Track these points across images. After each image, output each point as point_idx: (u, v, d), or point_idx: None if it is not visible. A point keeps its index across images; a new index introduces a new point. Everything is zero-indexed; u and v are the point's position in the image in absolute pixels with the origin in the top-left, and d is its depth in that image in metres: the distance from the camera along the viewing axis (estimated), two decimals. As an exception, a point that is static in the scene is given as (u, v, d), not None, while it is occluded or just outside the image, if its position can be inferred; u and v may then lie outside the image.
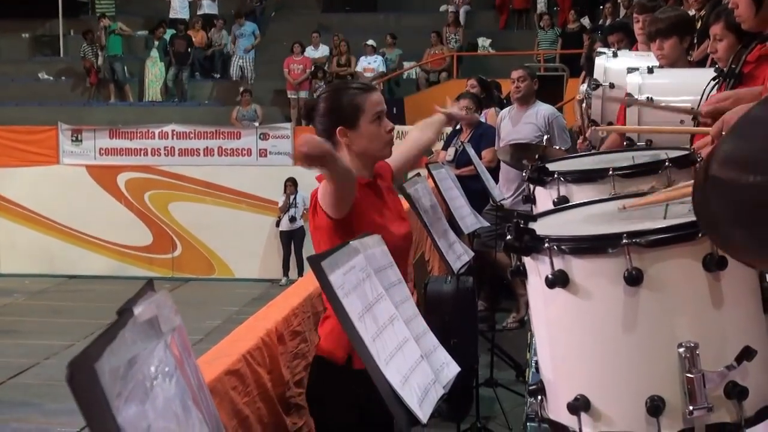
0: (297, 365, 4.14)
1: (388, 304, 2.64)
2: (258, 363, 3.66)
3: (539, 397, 2.26)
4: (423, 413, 2.48)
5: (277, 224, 18.23)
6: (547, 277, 2.09)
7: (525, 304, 7.87)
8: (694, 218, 1.97)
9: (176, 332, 1.38)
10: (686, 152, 3.07)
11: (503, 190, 7.87)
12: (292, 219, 17.99)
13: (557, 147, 7.93)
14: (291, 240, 18.10)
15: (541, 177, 3.12)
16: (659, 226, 2.08)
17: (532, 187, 3.21)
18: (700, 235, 1.98)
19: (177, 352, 1.35)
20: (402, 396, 2.43)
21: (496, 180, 8.03)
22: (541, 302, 2.20)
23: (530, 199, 3.22)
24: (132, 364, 1.15)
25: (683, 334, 1.99)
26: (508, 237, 2.17)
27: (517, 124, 8.48)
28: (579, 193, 3.00)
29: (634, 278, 1.98)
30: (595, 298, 2.07)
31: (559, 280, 2.07)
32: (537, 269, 2.15)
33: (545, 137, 8.01)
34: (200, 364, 3.23)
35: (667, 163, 2.88)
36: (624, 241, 1.99)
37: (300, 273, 17.36)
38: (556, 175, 3.07)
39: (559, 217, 2.46)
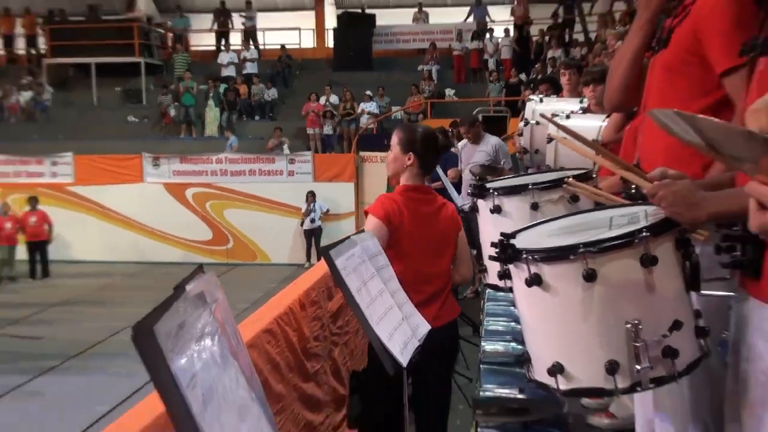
0: (314, 325, 4.12)
1: (378, 281, 2.64)
2: (286, 323, 3.64)
3: (527, 365, 2.26)
4: (404, 359, 2.50)
5: (301, 224, 18.21)
6: (525, 279, 2.11)
7: (479, 280, 7.88)
8: (632, 229, 2.03)
9: (219, 303, 1.36)
10: (585, 171, 3.11)
11: (464, 199, 7.93)
12: (312, 220, 18.00)
13: (504, 167, 8.16)
14: (311, 235, 18.09)
15: (482, 192, 3.15)
16: (606, 236, 2.08)
17: (475, 199, 3.22)
18: (636, 241, 2.00)
19: (220, 317, 1.34)
20: (389, 347, 2.44)
21: (459, 191, 8.15)
22: (523, 297, 2.19)
23: (475, 207, 3.23)
24: (182, 327, 1.14)
25: (629, 314, 2.00)
26: (496, 251, 2.19)
27: (475, 151, 8.64)
28: (507, 203, 3.05)
29: (589, 276, 2.00)
30: (563, 292, 2.07)
31: (534, 281, 2.09)
32: (518, 273, 2.16)
33: (493, 158, 8.31)
34: (245, 325, 3.24)
35: (566, 179, 2.90)
36: (581, 249, 2.01)
37: (318, 259, 17.36)
38: (491, 190, 3.11)
39: (533, 231, 2.44)
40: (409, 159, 3.77)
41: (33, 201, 18.17)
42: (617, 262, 2.02)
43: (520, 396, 3.63)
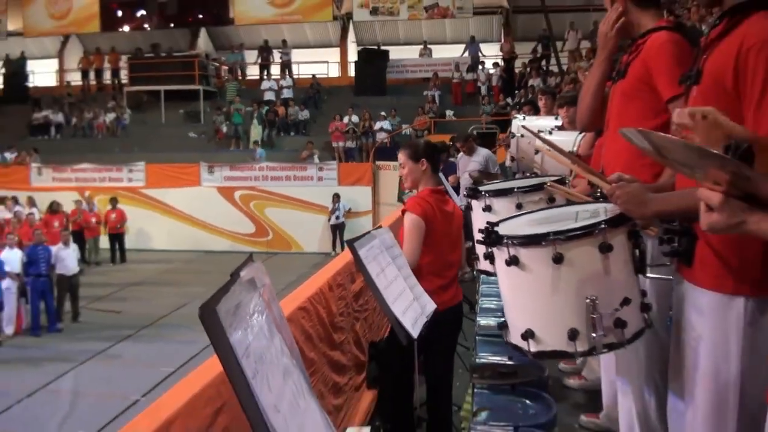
0: (340, 303, 4.10)
1: (394, 268, 2.62)
2: (317, 302, 3.62)
3: (504, 330, 2.26)
4: (414, 332, 2.47)
5: (328, 220, 18.21)
6: (505, 260, 2.11)
7: (473, 265, 7.85)
8: (594, 221, 2.06)
9: (266, 286, 1.35)
10: (559, 177, 3.16)
11: (462, 201, 7.92)
12: (337, 217, 18.00)
13: (494, 172, 8.16)
14: (336, 229, 18.06)
15: (475, 194, 3.14)
16: (572, 227, 2.08)
17: (469, 199, 3.23)
18: (596, 231, 2.01)
19: (266, 298, 1.33)
20: (402, 322, 2.41)
21: (458, 194, 8.13)
22: (503, 275, 2.19)
23: (470, 207, 3.23)
24: (238, 307, 1.13)
25: (588, 291, 2.01)
26: (482, 236, 2.19)
27: (469, 161, 8.62)
28: (497, 203, 3.09)
29: (557, 259, 2.01)
30: (535, 272, 2.08)
31: (513, 262, 2.09)
32: (500, 255, 2.16)
33: (485, 167, 8.34)
34: (284, 304, 3.23)
35: (546, 185, 2.94)
36: (551, 237, 2.02)
37: (342, 249, 17.37)
38: (483, 192, 3.10)
39: (514, 222, 2.44)
40: (422, 165, 3.71)
41: (113, 201, 18.28)
42: (580, 248, 2.02)
43: (509, 362, 3.60)
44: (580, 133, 4.46)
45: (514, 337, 2.18)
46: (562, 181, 3.08)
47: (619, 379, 2.80)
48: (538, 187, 3.08)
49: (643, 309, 2.11)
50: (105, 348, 11.19)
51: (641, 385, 2.65)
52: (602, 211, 2.19)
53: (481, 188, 3.25)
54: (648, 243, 2.17)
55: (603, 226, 2.02)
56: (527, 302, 2.14)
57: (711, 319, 1.90)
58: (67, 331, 12.43)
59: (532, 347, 2.11)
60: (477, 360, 3.80)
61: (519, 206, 3.00)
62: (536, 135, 2.57)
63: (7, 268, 12.00)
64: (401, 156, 3.81)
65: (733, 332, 1.84)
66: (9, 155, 21.64)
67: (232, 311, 1.09)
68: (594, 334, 1.99)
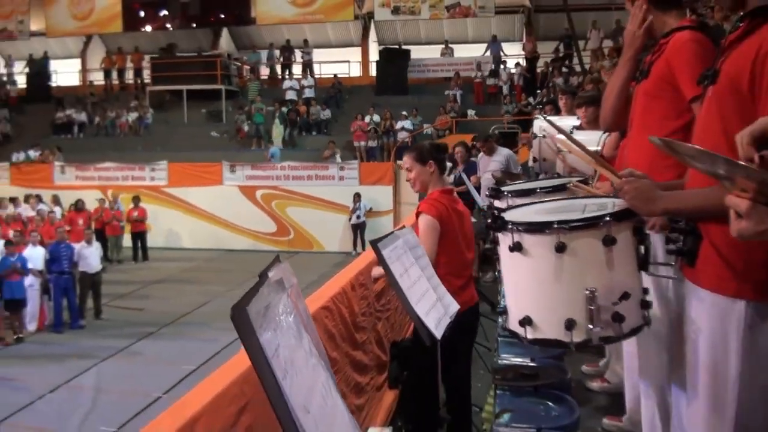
0: (362, 303, 4.12)
1: (417, 268, 2.62)
2: (339, 301, 3.64)
3: (504, 316, 2.28)
4: (438, 333, 2.47)
5: (349, 219, 18.18)
6: (509, 246, 2.12)
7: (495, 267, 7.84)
8: (600, 214, 2.07)
9: (293, 287, 1.36)
10: (582, 178, 3.15)
11: (484, 200, 7.91)
12: (358, 217, 17.98)
13: (516, 172, 8.10)
14: (357, 229, 18.04)
15: (498, 194, 3.16)
16: (577, 217, 2.09)
17: (492, 200, 3.25)
18: (600, 224, 2.02)
19: (294, 298, 1.34)
20: (426, 323, 2.41)
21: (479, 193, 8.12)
22: (507, 260, 2.20)
23: (492, 206, 3.24)
24: (268, 308, 1.14)
25: (588, 282, 2.01)
26: (489, 221, 2.21)
27: (490, 161, 8.57)
28: (520, 202, 3.05)
29: (560, 248, 2.01)
30: (537, 259, 2.08)
31: (516, 248, 2.10)
32: (504, 240, 2.17)
33: (505, 166, 8.33)
34: (307, 303, 3.23)
35: (569, 185, 2.93)
36: (555, 225, 2.04)
37: (363, 249, 17.39)
38: (505, 193, 3.11)
39: (523, 210, 2.46)
40: (430, 167, 3.69)
41: (136, 199, 18.41)
42: (584, 240, 2.03)
43: (531, 364, 3.60)
44: (605, 133, 4.44)
45: (512, 323, 2.20)
46: (584, 182, 3.08)
47: (643, 382, 2.79)
48: (560, 188, 3.08)
49: (643, 306, 2.12)
50: (127, 345, 11.28)
51: (665, 389, 2.63)
52: (610, 205, 2.20)
53: (504, 188, 3.25)
54: (653, 240, 2.16)
55: (608, 219, 2.02)
56: (527, 289, 2.15)
57: (711, 321, 1.90)
58: (89, 328, 12.54)
59: (529, 334, 2.13)
60: (499, 361, 3.80)
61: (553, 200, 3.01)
62: (557, 127, 2.57)
63: (30, 266, 12.14)
64: (407, 160, 3.76)
65: (733, 334, 1.85)
66: (33, 153, 21.88)
67: (262, 312, 1.10)
68: (591, 326, 2.01)
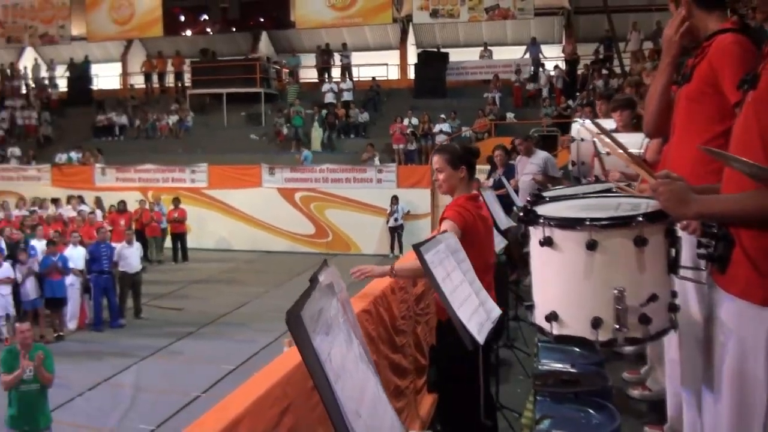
0: (402, 306, 4.12)
1: (459, 273, 2.63)
2: (380, 305, 3.65)
3: (530, 310, 2.26)
4: (480, 338, 2.47)
5: (387, 222, 18.19)
6: (540, 240, 2.12)
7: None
8: (633, 213, 2.06)
9: (342, 291, 1.38)
10: (625, 183, 3.21)
11: (523, 202, 7.90)
12: (396, 219, 17.99)
13: (557, 176, 8.09)
14: (395, 232, 18.06)
15: (538, 201, 3.15)
16: (610, 215, 2.09)
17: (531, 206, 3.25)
18: (633, 224, 2.02)
19: (343, 302, 1.35)
20: (468, 327, 2.41)
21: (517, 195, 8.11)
22: (536, 254, 2.19)
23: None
24: (320, 313, 1.15)
25: (617, 282, 2.00)
26: (521, 214, 2.21)
27: (527, 163, 8.53)
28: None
29: (591, 245, 2.01)
30: (567, 255, 2.08)
31: (546, 242, 2.10)
32: (535, 234, 2.16)
33: (543, 169, 8.36)
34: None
35: (614, 190, 2.95)
36: (587, 222, 2.03)
37: (400, 251, 17.41)
38: (546, 198, 3.10)
39: (555, 204, 2.45)
40: (461, 172, 3.63)
41: (176, 201, 18.66)
42: (615, 239, 2.02)
43: (572, 370, 3.57)
44: (647, 137, 4.40)
45: (539, 318, 2.19)
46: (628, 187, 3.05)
47: (685, 391, 2.76)
48: (604, 192, 3.06)
49: (671, 309, 2.10)
50: (166, 344, 11.44)
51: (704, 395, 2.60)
52: (644, 205, 2.18)
53: (545, 194, 3.23)
54: (684, 244, 2.14)
55: (640, 219, 2.01)
56: (555, 284, 2.14)
57: (740, 327, 1.90)
58: (129, 327, 12.74)
59: (555, 330, 2.12)
60: (540, 367, 3.77)
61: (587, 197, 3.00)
62: (598, 126, 2.55)
63: (71, 265, 12.39)
64: (438, 160, 3.68)
65: (761, 342, 1.85)
66: (75, 155, 22.31)
67: (315, 317, 1.11)
68: (617, 326, 2.00)
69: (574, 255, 2.05)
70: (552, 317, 2.10)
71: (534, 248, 2.19)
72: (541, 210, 2.23)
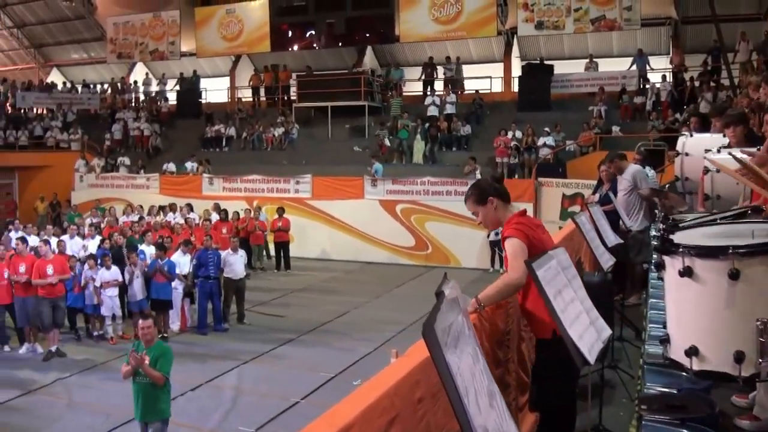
0: (507, 322, 4.09)
1: (570, 290, 2.59)
2: (485, 319, 3.63)
3: (666, 344, 2.19)
4: (591, 357, 2.43)
5: (488, 236, 17.99)
6: (679, 271, 2.05)
7: (639, 290, 7.58)
8: None
9: (465, 304, 1.39)
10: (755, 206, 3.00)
11: (634, 224, 7.93)
12: (496, 233, 17.78)
13: (645, 189, 7.93)
14: (495, 246, 17.84)
15: (673, 229, 3.04)
16: (754, 242, 2.01)
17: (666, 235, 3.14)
18: None
19: (465, 317, 1.37)
20: (579, 346, 2.38)
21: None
22: (674, 285, 2.13)
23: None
24: (450, 326, 1.17)
25: (761, 313, 1.91)
26: (655, 243, 2.15)
27: (622, 180, 8.30)
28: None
29: (734, 275, 1.94)
30: (708, 285, 2.01)
31: (686, 273, 2.04)
32: (673, 264, 2.10)
33: (632, 185, 8.18)
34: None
35: (749, 212, 2.77)
36: (730, 251, 1.96)
37: (501, 266, 17.21)
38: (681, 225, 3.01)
39: (688, 232, 2.37)
40: (492, 203, 3.71)
41: (280, 211, 19.12)
42: (759, 267, 1.94)
43: (680, 395, 3.45)
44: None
45: (676, 353, 2.12)
46: (758, 209, 2.91)
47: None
48: (740, 216, 2.92)
49: None
50: (268, 350, 11.72)
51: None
52: None
53: (681, 224, 3.13)
54: None
55: None
56: (695, 317, 2.07)
57: None
58: (232, 332, 13.12)
59: (695, 365, 2.05)
60: (645, 390, 3.66)
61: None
62: (735, 158, 2.45)
63: (177, 271, 12.91)
64: (470, 205, 3.80)
65: None
66: (190, 164, 23.26)
67: (447, 330, 1.14)
68: (761, 360, 1.91)
69: (715, 286, 1.99)
70: (692, 352, 2.04)
71: (671, 279, 2.12)
72: (679, 238, 2.16)
